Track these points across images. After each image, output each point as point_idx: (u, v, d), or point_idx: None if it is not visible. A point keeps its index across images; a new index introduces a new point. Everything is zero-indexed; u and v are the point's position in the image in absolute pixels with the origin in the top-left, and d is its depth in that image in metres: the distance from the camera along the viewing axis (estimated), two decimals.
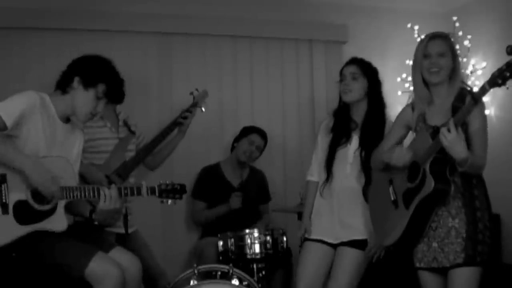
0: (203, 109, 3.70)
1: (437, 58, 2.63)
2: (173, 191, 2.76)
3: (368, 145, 3.00)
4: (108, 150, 3.34)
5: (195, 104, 3.65)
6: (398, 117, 2.85)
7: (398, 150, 2.67)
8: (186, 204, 4.24)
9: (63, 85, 2.65)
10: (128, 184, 2.90)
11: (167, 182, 2.77)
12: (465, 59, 4.47)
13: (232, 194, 3.93)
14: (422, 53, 2.66)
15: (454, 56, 2.65)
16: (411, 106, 2.78)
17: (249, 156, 4.09)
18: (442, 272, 2.57)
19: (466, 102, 2.45)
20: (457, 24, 4.50)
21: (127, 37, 4.16)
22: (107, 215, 2.74)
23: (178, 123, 3.59)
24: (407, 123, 2.78)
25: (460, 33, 4.48)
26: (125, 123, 3.49)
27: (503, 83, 2.24)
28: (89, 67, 2.64)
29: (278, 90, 4.54)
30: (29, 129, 2.54)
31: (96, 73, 2.63)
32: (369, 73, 3.10)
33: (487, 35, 4.41)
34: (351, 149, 3.06)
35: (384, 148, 2.83)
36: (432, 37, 2.70)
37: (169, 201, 2.77)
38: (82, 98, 2.62)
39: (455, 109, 2.50)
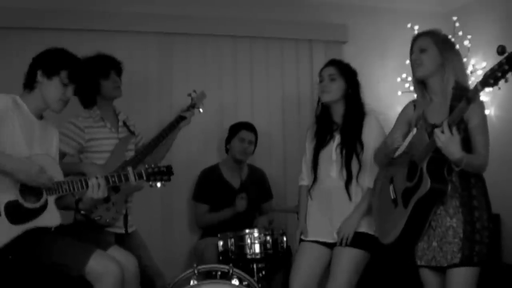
0: (201, 110, 3.70)
1: (418, 53, 2.66)
2: (160, 173, 2.77)
3: (349, 142, 3.04)
4: (108, 150, 3.34)
5: (193, 106, 3.65)
6: (400, 114, 2.87)
7: (390, 134, 2.69)
8: (187, 205, 4.25)
9: (29, 83, 2.68)
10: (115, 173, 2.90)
11: (153, 165, 2.78)
12: (465, 59, 4.46)
13: (237, 197, 3.93)
14: (409, 55, 2.71)
15: (442, 51, 2.63)
16: (413, 103, 2.79)
17: (244, 153, 4.09)
18: (442, 270, 2.58)
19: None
20: (457, 24, 4.50)
21: (127, 37, 4.16)
22: (93, 204, 2.80)
23: (182, 119, 3.57)
24: (409, 120, 2.79)
25: (460, 33, 4.48)
26: (125, 124, 3.49)
27: (495, 83, 2.24)
28: (48, 58, 2.68)
29: (278, 90, 4.55)
30: (7, 132, 2.55)
31: (55, 62, 2.67)
32: (346, 74, 3.12)
33: (487, 35, 4.41)
34: (333, 146, 3.09)
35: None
36: (417, 35, 2.74)
37: (158, 184, 2.78)
38: (49, 88, 2.65)
39: (452, 108, 2.50)
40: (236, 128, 4.12)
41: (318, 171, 3.13)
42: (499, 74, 2.22)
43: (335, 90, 3.08)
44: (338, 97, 3.09)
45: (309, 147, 3.23)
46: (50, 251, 2.55)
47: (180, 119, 3.55)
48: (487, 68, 4.48)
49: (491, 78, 2.24)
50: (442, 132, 2.37)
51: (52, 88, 2.65)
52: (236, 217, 3.90)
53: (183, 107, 3.62)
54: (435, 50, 2.64)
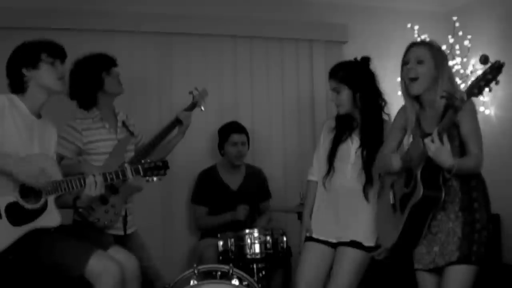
0: (203, 108, 3.70)
1: (415, 64, 2.63)
2: (156, 168, 2.78)
3: (369, 144, 3.02)
4: (107, 152, 3.32)
5: (194, 104, 3.64)
6: (393, 121, 2.88)
7: (388, 158, 2.70)
8: (186, 205, 4.25)
9: (19, 86, 2.69)
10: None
11: (149, 160, 2.80)
12: (465, 59, 4.47)
13: (239, 207, 3.92)
14: (402, 61, 2.68)
15: (437, 65, 2.61)
16: (403, 111, 2.80)
17: (240, 156, 4.08)
18: (439, 272, 2.58)
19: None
20: (457, 24, 4.50)
21: (127, 37, 4.16)
22: (90, 201, 2.83)
23: (178, 122, 3.58)
24: (403, 126, 2.80)
25: (460, 33, 4.48)
26: (124, 124, 3.48)
27: (480, 92, 2.26)
28: (22, 52, 2.71)
29: (278, 90, 4.54)
30: (5, 131, 2.56)
31: (31, 51, 2.70)
32: (347, 80, 3.06)
33: (487, 35, 4.41)
34: (353, 148, 3.07)
35: (384, 151, 2.85)
36: (413, 44, 2.71)
37: (155, 179, 2.80)
38: (41, 75, 2.68)
39: (444, 116, 2.49)
40: (226, 133, 4.09)
41: (334, 165, 3.09)
42: (483, 84, 2.24)
43: (344, 101, 3.05)
44: (351, 105, 3.06)
45: (325, 139, 3.19)
46: (50, 251, 2.55)
47: (176, 122, 3.55)
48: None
49: (475, 88, 2.26)
50: (432, 141, 2.38)
51: (45, 73, 2.68)
52: (236, 221, 3.89)
53: (185, 105, 3.61)
54: (431, 63, 2.62)
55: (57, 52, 2.73)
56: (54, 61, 2.71)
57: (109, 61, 3.39)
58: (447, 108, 2.48)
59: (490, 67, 2.23)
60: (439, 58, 2.64)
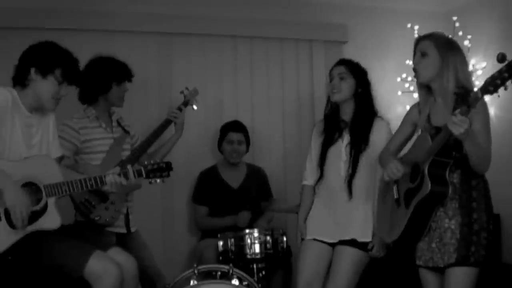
0: (195, 107, 3.74)
1: (419, 58, 2.66)
2: (159, 170, 2.75)
3: (358, 142, 3.05)
4: (104, 150, 3.34)
5: (186, 103, 3.68)
6: (405, 115, 2.88)
7: (392, 165, 2.67)
8: (187, 205, 4.25)
9: (21, 80, 2.63)
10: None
11: (152, 161, 2.77)
12: None
13: (241, 213, 3.92)
14: (413, 57, 2.71)
15: (442, 53, 2.62)
16: (418, 106, 2.79)
17: (236, 155, 4.08)
18: (441, 271, 2.58)
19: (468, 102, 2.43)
20: (457, 24, 4.50)
21: (127, 37, 4.16)
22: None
23: (170, 121, 3.61)
24: (414, 122, 2.80)
25: (460, 33, 4.48)
26: (118, 123, 3.50)
27: (495, 90, 2.24)
28: (42, 55, 2.63)
29: (278, 90, 4.55)
30: (7, 129, 2.53)
31: (50, 59, 2.62)
32: (356, 73, 3.12)
33: (487, 35, 4.41)
34: (343, 146, 3.09)
35: (391, 147, 2.86)
36: (418, 39, 2.74)
37: (158, 180, 2.77)
38: (44, 86, 2.61)
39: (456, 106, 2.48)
40: (224, 131, 4.10)
41: (325, 168, 3.12)
42: (499, 82, 2.22)
43: (345, 89, 3.09)
44: (349, 96, 3.09)
45: (315, 143, 3.21)
46: (50, 251, 2.54)
47: (168, 122, 3.58)
48: (487, 68, 4.52)
49: (491, 86, 2.24)
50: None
51: (47, 87, 2.61)
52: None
53: (178, 105, 3.66)
54: (435, 53, 2.63)
55: (70, 76, 2.65)
56: (63, 82, 2.64)
57: (125, 74, 3.44)
58: (458, 102, 2.47)
59: (507, 65, 2.19)
60: (444, 47, 2.65)
